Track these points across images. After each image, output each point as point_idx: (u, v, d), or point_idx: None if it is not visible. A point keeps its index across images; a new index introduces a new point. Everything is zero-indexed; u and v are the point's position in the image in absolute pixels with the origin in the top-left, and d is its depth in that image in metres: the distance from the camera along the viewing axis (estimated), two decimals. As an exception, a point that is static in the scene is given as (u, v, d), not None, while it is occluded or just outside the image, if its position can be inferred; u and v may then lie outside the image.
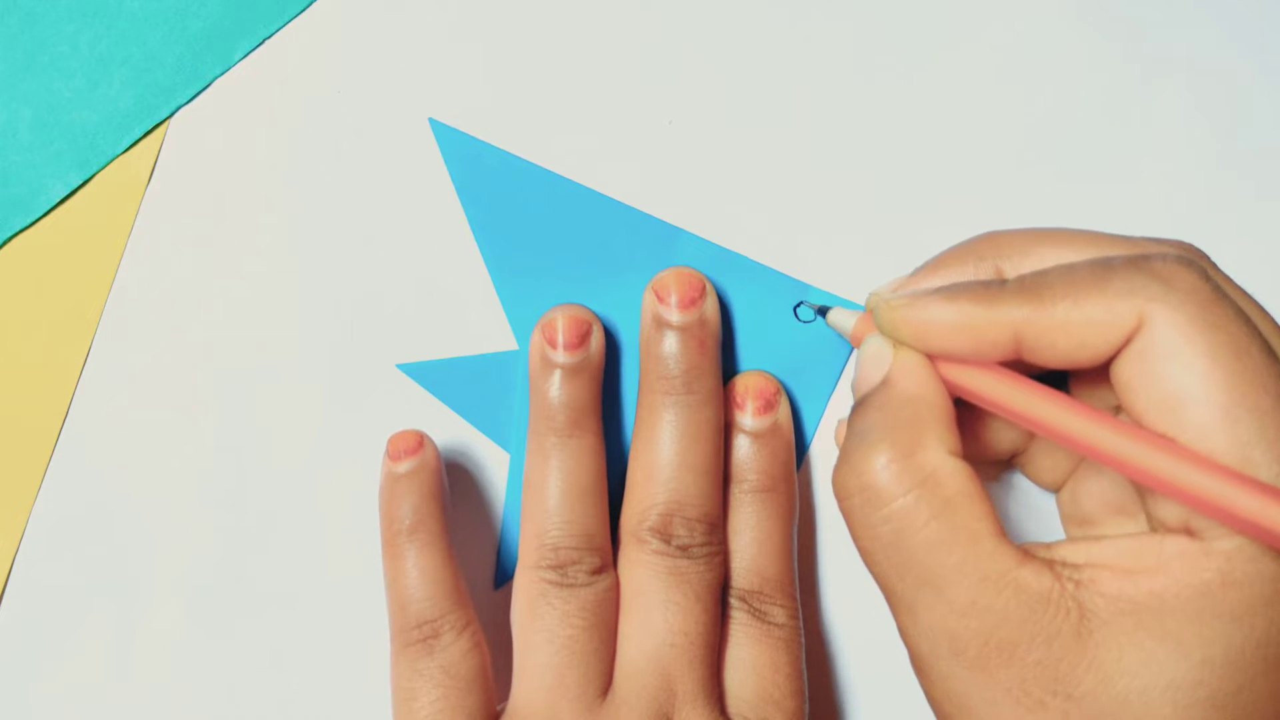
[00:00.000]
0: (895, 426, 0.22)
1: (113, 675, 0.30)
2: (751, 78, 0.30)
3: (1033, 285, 0.22)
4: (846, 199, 0.30)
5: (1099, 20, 0.31)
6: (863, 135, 0.30)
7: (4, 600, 0.30)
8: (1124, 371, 0.21)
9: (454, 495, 0.30)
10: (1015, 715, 0.21)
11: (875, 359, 0.24)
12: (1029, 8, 0.31)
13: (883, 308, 0.23)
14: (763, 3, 0.31)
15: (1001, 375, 0.23)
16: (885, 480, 0.22)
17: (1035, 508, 0.29)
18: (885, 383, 0.23)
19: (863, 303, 0.30)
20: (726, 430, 0.29)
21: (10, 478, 0.30)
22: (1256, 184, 0.30)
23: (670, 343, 0.28)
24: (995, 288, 0.22)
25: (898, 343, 0.24)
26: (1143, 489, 0.22)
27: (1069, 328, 0.21)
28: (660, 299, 0.28)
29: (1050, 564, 0.21)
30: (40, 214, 0.30)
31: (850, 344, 0.26)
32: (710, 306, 0.28)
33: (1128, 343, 0.21)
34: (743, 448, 0.29)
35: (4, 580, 0.30)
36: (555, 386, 0.28)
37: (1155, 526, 0.22)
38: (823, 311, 0.27)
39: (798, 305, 0.30)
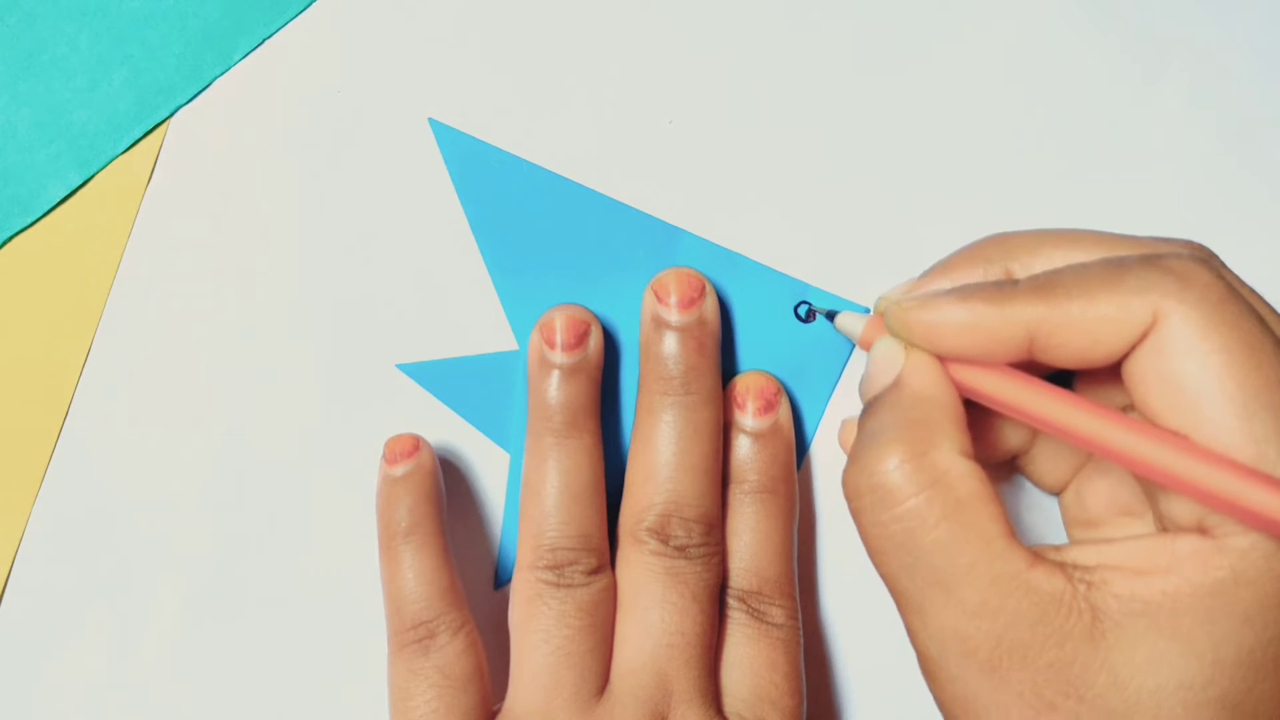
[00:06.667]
0: (907, 426, 0.22)
1: (113, 675, 0.30)
2: (751, 78, 0.30)
3: (1045, 284, 0.22)
4: (847, 198, 0.30)
5: (1101, 18, 0.30)
6: (863, 135, 0.30)
7: (4, 600, 0.30)
8: (1137, 368, 0.21)
9: (454, 496, 0.30)
10: (1025, 718, 0.21)
11: (886, 361, 0.24)
12: (1031, 7, 0.30)
13: (894, 310, 0.23)
14: (763, 3, 0.31)
15: (1013, 376, 0.23)
16: (897, 480, 0.22)
17: (1043, 511, 0.29)
18: (897, 384, 0.23)
19: (864, 303, 0.30)
20: (726, 430, 0.29)
21: (10, 478, 0.30)
22: (1261, 181, 0.30)
23: (669, 343, 0.28)
24: (1007, 287, 0.22)
25: (909, 345, 0.23)
26: (1155, 487, 0.22)
27: (1083, 325, 0.21)
28: (660, 299, 0.28)
29: (1062, 566, 0.21)
30: (40, 214, 0.30)
31: (859, 347, 0.26)
32: (710, 306, 0.28)
33: (1142, 340, 0.21)
34: (743, 448, 0.28)
35: (4, 580, 0.30)
36: (553, 387, 0.28)
37: (1166, 526, 0.22)
38: (830, 315, 0.27)
39: (798, 305, 0.30)
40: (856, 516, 0.23)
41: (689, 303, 0.28)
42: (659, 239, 0.30)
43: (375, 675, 0.28)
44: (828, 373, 0.30)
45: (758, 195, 0.30)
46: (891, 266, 0.30)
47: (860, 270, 0.30)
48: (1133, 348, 0.21)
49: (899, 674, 0.30)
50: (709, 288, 0.28)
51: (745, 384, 0.29)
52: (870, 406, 0.24)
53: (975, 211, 0.30)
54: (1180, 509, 0.21)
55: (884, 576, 0.22)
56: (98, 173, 0.30)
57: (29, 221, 0.30)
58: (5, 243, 0.30)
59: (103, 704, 0.30)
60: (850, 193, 0.30)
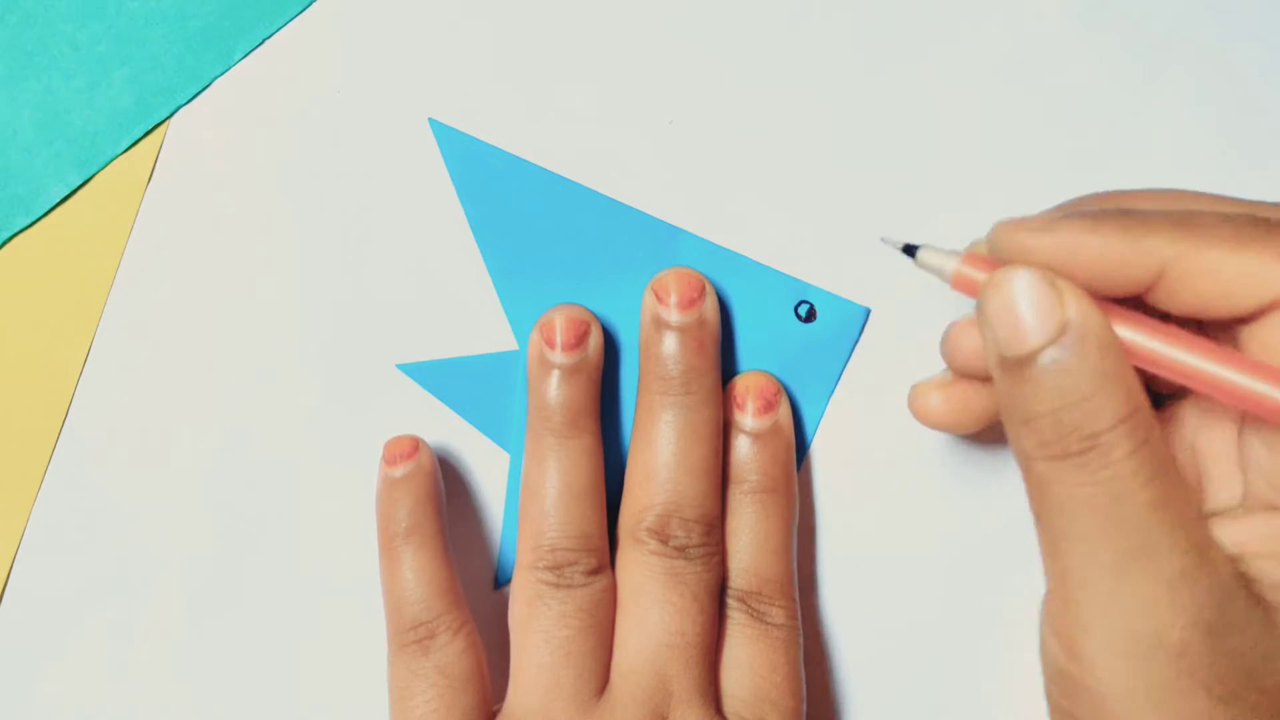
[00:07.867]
0: (1114, 381, 0.20)
1: (113, 675, 0.30)
2: (752, 77, 0.30)
3: (1185, 221, 0.20)
4: (847, 198, 0.30)
5: (1102, 18, 0.30)
6: (864, 135, 0.30)
7: (4, 600, 0.30)
8: (1265, 335, 0.20)
9: (454, 496, 0.30)
10: (1207, 707, 0.19)
11: (1037, 308, 0.20)
12: (1031, 6, 0.30)
13: (1012, 230, 0.21)
14: (763, 2, 0.31)
15: (1158, 325, 0.20)
16: (1114, 439, 0.19)
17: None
18: (1081, 336, 0.20)
19: (865, 303, 0.30)
20: (726, 430, 0.29)
21: (10, 478, 0.30)
22: (1262, 181, 0.30)
23: (669, 343, 0.28)
24: (1143, 218, 0.20)
25: (1070, 292, 0.20)
26: None
27: (1222, 274, 0.19)
28: (660, 299, 0.28)
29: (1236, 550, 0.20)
30: (40, 214, 0.30)
31: (951, 287, 0.23)
32: (710, 307, 0.28)
33: (1274, 307, 0.19)
34: (743, 448, 0.28)
35: (4, 580, 0.30)
36: (553, 387, 0.28)
37: None
38: (910, 250, 0.23)
39: (798, 305, 0.30)
40: (1045, 483, 0.20)
41: (689, 303, 0.28)
42: (659, 239, 0.30)
43: (375, 675, 0.28)
44: (828, 373, 0.30)
45: (758, 195, 0.30)
46: (892, 266, 0.30)
47: (860, 270, 0.30)
48: (1262, 312, 0.20)
49: (899, 674, 0.30)
50: (709, 288, 0.28)
51: (745, 384, 0.29)
52: (1038, 365, 0.20)
53: (975, 211, 0.30)
54: None
55: (1066, 555, 0.20)
56: (98, 173, 0.30)
57: (29, 221, 0.30)
58: (5, 243, 0.30)
59: (103, 704, 0.30)
60: (850, 192, 0.30)
